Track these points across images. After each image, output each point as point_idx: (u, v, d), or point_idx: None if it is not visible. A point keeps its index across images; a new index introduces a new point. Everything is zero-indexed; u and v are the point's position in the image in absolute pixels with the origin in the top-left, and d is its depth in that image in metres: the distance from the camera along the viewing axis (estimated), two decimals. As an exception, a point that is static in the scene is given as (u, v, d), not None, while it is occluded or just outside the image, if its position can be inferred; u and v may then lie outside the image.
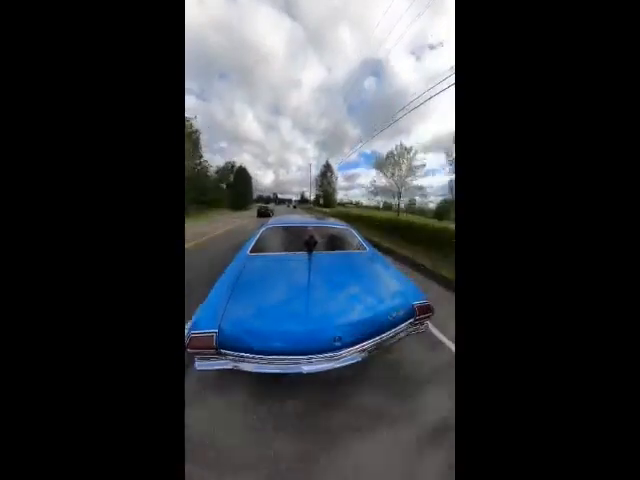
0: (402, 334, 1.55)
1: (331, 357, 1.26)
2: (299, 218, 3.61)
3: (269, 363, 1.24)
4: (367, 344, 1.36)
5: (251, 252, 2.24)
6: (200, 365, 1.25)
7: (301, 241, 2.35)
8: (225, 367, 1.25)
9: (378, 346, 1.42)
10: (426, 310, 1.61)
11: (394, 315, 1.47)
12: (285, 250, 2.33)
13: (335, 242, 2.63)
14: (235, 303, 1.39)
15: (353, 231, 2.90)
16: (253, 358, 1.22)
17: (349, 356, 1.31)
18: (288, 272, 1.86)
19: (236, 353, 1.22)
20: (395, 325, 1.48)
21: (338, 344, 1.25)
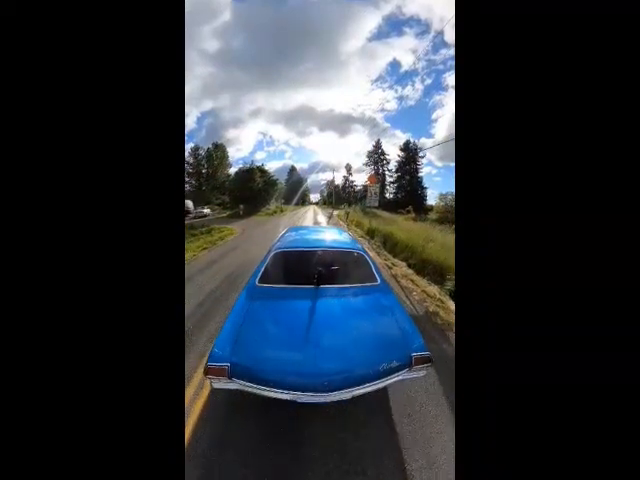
0: (394, 380, 1.62)
1: (323, 395, 1.48)
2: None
3: (272, 393, 1.54)
4: (355, 390, 1.53)
5: (259, 282, 2.39)
6: (215, 384, 1.61)
7: (310, 268, 2.40)
8: (237, 388, 1.59)
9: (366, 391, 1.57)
10: (425, 361, 1.62)
11: (386, 366, 1.56)
12: (292, 281, 2.41)
13: (345, 272, 2.51)
14: (245, 338, 1.73)
15: (366, 257, 2.77)
16: (259, 388, 1.54)
17: (338, 396, 1.52)
18: (293, 311, 2.07)
19: (244, 382, 1.55)
20: (387, 374, 1.56)
21: (327, 387, 1.46)
